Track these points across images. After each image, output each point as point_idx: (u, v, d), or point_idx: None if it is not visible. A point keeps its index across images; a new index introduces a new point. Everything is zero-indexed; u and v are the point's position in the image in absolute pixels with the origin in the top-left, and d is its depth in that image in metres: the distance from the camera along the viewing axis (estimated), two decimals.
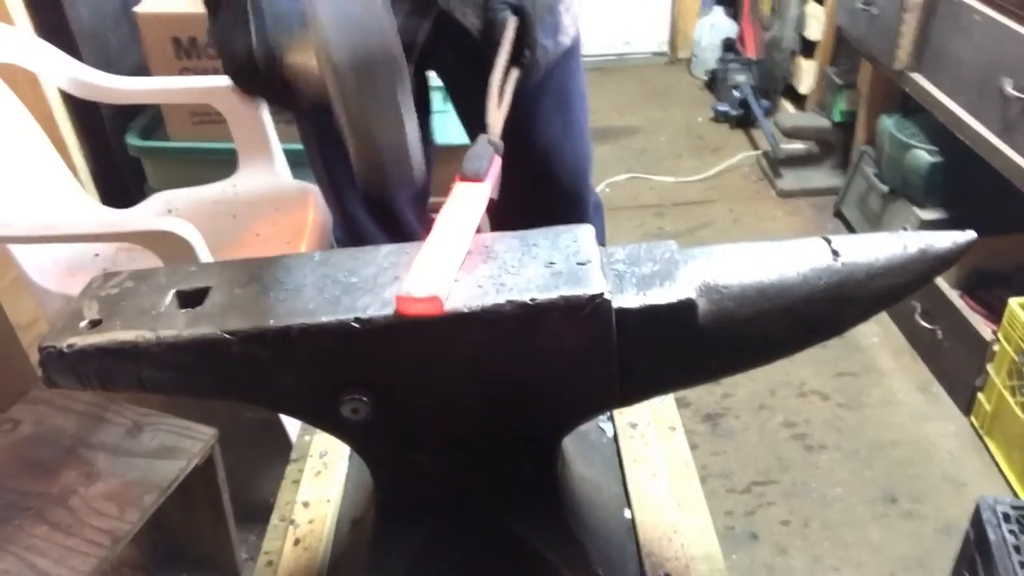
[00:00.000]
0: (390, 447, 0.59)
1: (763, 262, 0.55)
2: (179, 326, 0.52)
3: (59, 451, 1.09)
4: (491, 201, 0.60)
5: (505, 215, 0.69)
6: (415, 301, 0.49)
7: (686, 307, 0.52)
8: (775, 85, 2.67)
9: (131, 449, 1.10)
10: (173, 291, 0.55)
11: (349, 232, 1.14)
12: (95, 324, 0.53)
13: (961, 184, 1.78)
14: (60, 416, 1.14)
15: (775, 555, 1.37)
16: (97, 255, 1.45)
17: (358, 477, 0.82)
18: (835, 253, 0.55)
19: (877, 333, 1.85)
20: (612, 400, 0.59)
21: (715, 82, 2.96)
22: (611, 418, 0.87)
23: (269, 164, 1.60)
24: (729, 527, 1.42)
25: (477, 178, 0.60)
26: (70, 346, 0.52)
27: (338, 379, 0.53)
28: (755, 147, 2.64)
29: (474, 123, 1.11)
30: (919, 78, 1.74)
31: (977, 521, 1.00)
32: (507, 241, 0.57)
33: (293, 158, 1.62)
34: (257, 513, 1.28)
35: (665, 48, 3.34)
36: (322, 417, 0.57)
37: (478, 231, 0.57)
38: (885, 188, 1.95)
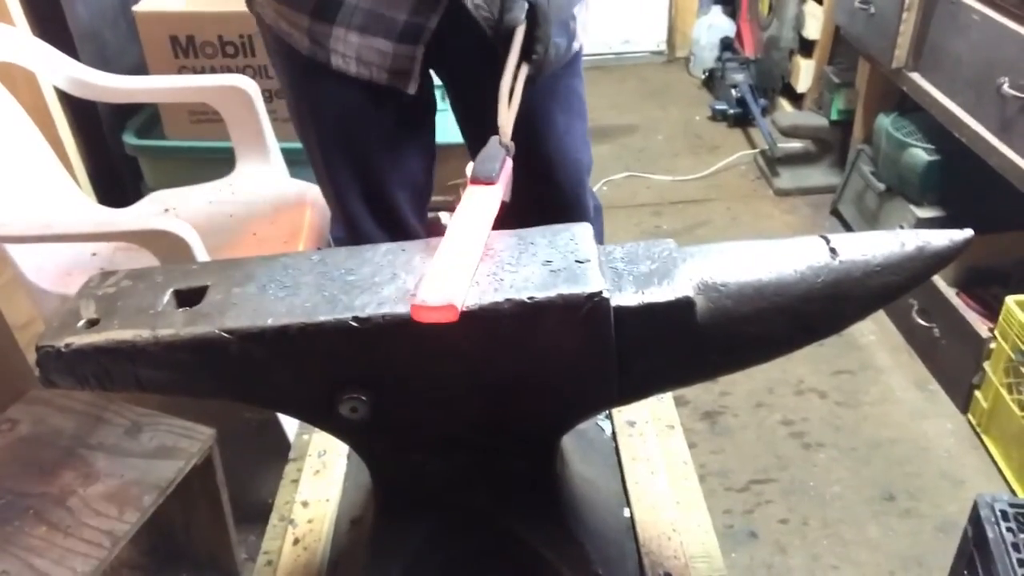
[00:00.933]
0: (389, 446, 0.59)
1: (761, 260, 0.55)
2: (177, 325, 0.52)
3: (58, 451, 1.09)
4: (503, 204, 0.60)
5: (503, 215, 0.69)
6: (430, 309, 0.48)
7: (684, 305, 0.53)
8: (773, 84, 2.67)
9: (130, 449, 1.09)
10: (171, 290, 0.55)
11: (348, 229, 1.13)
12: (92, 323, 0.53)
13: (958, 182, 1.78)
14: (59, 416, 1.14)
15: (774, 553, 1.37)
16: (94, 254, 1.45)
17: (357, 476, 0.82)
18: (832, 251, 0.55)
19: (874, 331, 1.85)
20: (610, 398, 0.59)
21: (713, 81, 2.96)
22: (610, 416, 0.87)
23: (267, 163, 1.59)
24: (728, 525, 1.42)
25: (489, 181, 0.59)
26: (67, 346, 0.51)
27: (336, 378, 0.53)
28: (752, 146, 2.64)
29: (472, 120, 1.11)
30: (917, 77, 1.75)
31: (975, 519, 1.00)
32: (505, 240, 0.57)
33: (291, 157, 1.62)
34: (256, 513, 1.27)
35: (663, 47, 3.34)
36: (321, 416, 0.57)
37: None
38: (882, 186, 1.96)
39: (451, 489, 0.61)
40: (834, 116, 2.31)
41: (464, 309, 0.50)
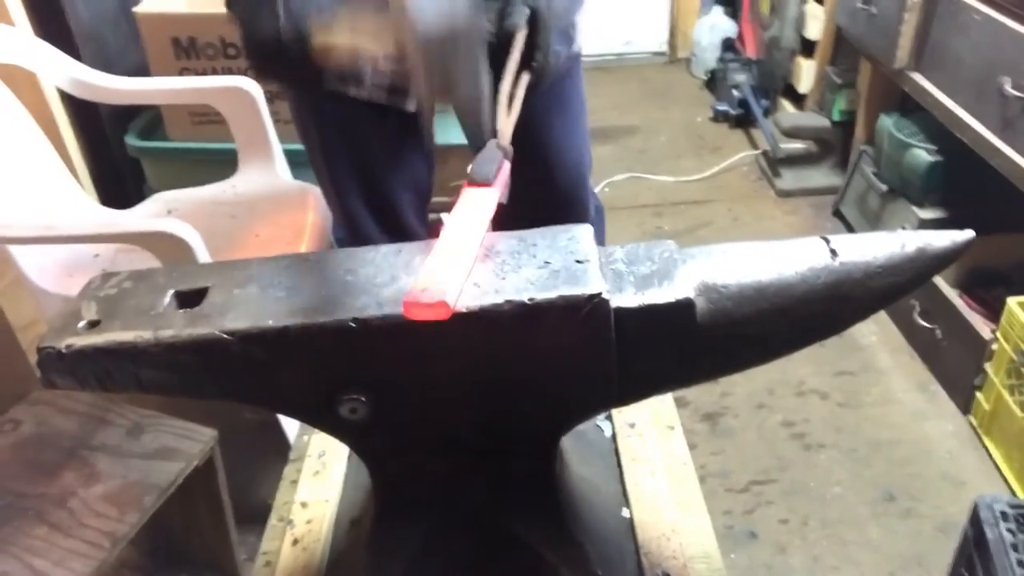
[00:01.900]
0: (388, 447, 0.59)
1: (762, 261, 0.55)
2: (178, 326, 0.52)
3: (59, 452, 1.09)
4: (499, 206, 0.60)
5: (504, 217, 0.69)
6: (423, 307, 0.48)
7: (685, 306, 0.53)
8: (774, 85, 2.67)
9: (131, 450, 1.10)
10: (172, 291, 0.55)
11: (349, 231, 1.13)
12: (94, 325, 0.53)
13: (960, 183, 1.78)
14: (60, 417, 1.14)
15: (774, 554, 1.37)
16: (96, 256, 1.45)
17: (356, 477, 0.82)
18: (833, 252, 0.55)
19: (876, 332, 1.85)
20: (610, 399, 0.59)
21: (715, 82, 2.96)
22: (609, 417, 0.87)
23: (269, 164, 1.60)
24: (728, 526, 1.42)
25: (486, 183, 0.59)
26: (69, 347, 0.52)
27: (336, 379, 0.53)
28: (754, 147, 2.64)
29: None
30: (918, 77, 1.75)
31: (975, 520, 1.00)
32: (506, 241, 0.57)
33: (293, 158, 1.62)
34: (256, 514, 1.27)
35: (665, 48, 3.34)
36: (320, 417, 0.57)
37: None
38: (884, 187, 1.95)
39: (451, 490, 0.61)
40: (836, 117, 2.31)
41: (464, 310, 0.50)
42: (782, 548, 1.38)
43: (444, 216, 0.58)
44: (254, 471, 1.41)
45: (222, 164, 1.64)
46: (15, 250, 1.34)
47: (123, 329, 0.52)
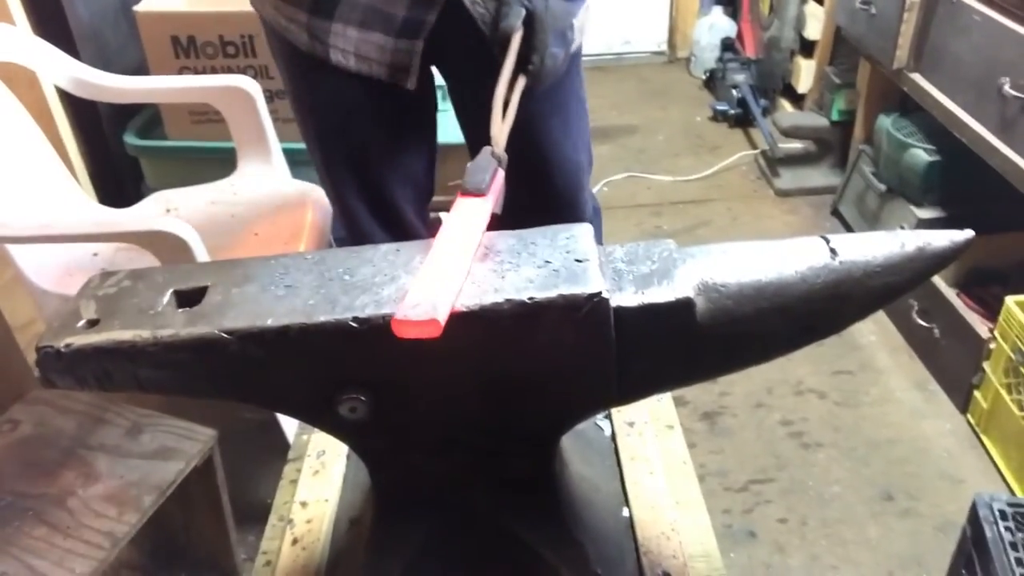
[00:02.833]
0: (388, 446, 0.59)
1: (761, 261, 0.55)
2: (177, 325, 0.52)
3: (58, 452, 1.09)
4: (493, 215, 0.59)
5: (502, 218, 0.68)
6: (412, 324, 0.47)
7: (684, 306, 0.53)
8: (774, 84, 2.67)
9: (130, 450, 1.09)
10: (171, 290, 0.55)
11: (348, 227, 1.13)
12: (93, 324, 0.53)
13: (959, 183, 1.78)
14: (60, 417, 1.14)
15: (773, 553, 1.37)
16: (95, 255, 1.45)
17: (356, 477, 0.82)
18: (833, 252, 0.55)
19: (874, 331, 1.85)
20: (610, 398, 0.59)
21: (714, 81, 2.96)
22: (609, 416, 0.87)
23: (268, 163, 1.59)
24: (727, 525, 1.42)
25: (479, 193, 0.58)
26: (67, 346, 0.51)
27: (336, 378, 0.53)
28: (753, 146, 2.64)
29: (472, 120, 1.11)
30: (918, 78, 1.75)
31: (974, 518, 1.00)
32: (505, 240, 0.57)
33: (292, 157, 1.62)
34: (256, 513, 1.28)
35: (664, 47, 3.34)
36: (320, 416, 0.57)
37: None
38: (883, 187, 1.95)
39: (450, 489, 0.61)
40: (835, 116, 2.31)
41: (464, 309, 0.50)
42: (781, 547, 1.38)
43: (444, 215, 0.58)
44: (253, 471, 1.41)
45: (221, 163, 1.63)
46: (13, 249, 1.34)
47: (122, 328, 0.52)
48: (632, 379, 0.55)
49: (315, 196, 1.51)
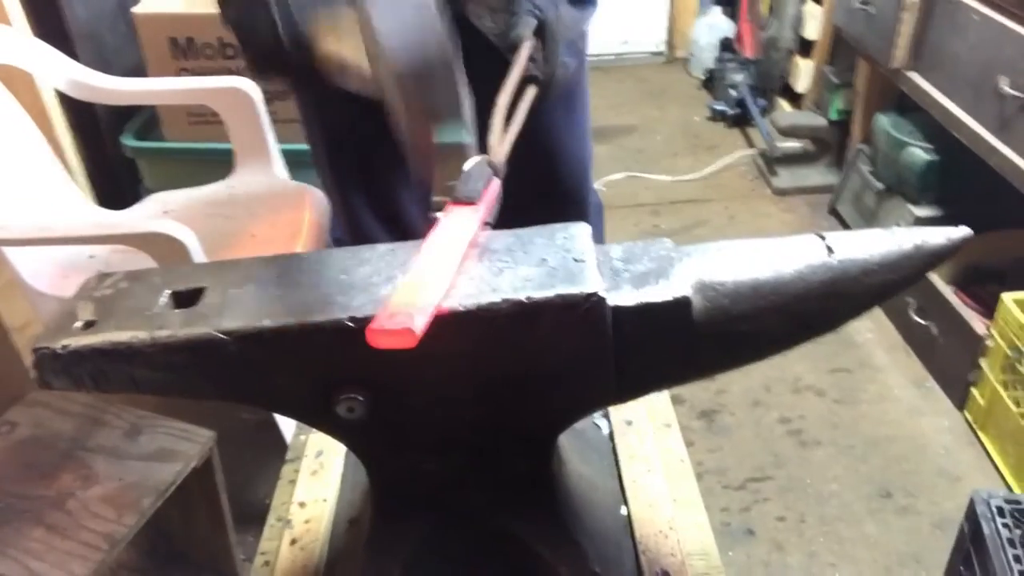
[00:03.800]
0: (386, 446, 0.59)
1: (758, 259, 0.55)
2: (174, 326, 0.52)
3: (56, 454, 1.08)
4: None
5: (504, 214, 0.68)
6: (386, 334, 0.45)
7: (682, 304, 0.53)
8: (772, 84, 2.68)
9: (129, 452, 1.09)
10: (168, 291, 0.55)
11: (350, 228, 1.13)
12: (89, 325, 0.53)
13: (956, 182, 1.78)
14: (58, 419, 1.14)
15: (771, 551, 1.37)
16: (92, 257, 1.44)
17: (354, 476, 0.82)
18: (830, 249, 0.55)
19: (871, 329, 1.86)
20: (608, 397, 0.59)
21: (712, 81, 2.96)
22: (607, 415, 0.87)
23: (266, 165, 1.59)
24: (725, 523, 1.42)
25: (470, 201, 0.57)
26: (64, 347, 0.51)
27: (333, 378, 0.53)
28: (751, 146, 2.64)
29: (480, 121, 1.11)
30: (916, 77, 1.75)
31: (971, 515, 1.01)
32: (503, 239, 0.57)
33: (290, 158, 1.62)
34: (255, 514, 1.27)
35: (663, 48, 3.35)
36: (318, 416, 0.57)
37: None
38: (880, 186, 1.96)
39: (448, 489, 0.61)
40: (833, 116, 2.31)
41: (461, 309, 0.50)
42: (779, 545, 1.38)
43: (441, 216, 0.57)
44: (252, 471, 1.41)
45: (219, 164, 1.63)
46: (10, 251, 1.34)
47: (119, 329, 0.52)
48: (630, 378, 0.55)
49: (313, 197, 1.51)
